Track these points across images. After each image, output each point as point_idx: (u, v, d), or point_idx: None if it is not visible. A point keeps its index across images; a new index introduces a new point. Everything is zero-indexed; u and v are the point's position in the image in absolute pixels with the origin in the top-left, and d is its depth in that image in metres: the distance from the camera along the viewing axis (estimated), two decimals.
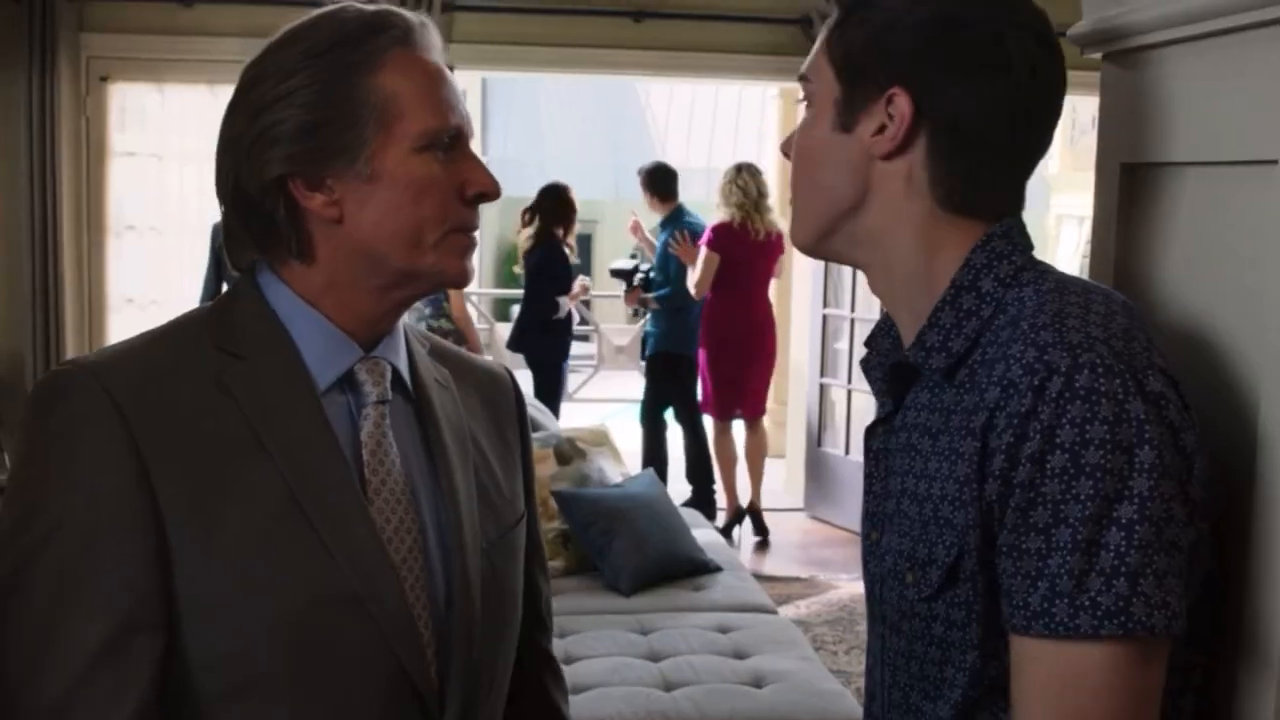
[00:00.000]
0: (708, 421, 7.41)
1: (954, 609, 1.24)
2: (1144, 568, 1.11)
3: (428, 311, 6.78)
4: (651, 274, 7.51)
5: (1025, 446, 1.15)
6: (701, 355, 7.27)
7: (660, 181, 7.42)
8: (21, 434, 1.34)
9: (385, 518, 1.39)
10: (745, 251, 7.02)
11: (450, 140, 1.38)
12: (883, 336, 1.44)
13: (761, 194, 7.07)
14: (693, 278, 7.02)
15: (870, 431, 1.43)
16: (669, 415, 7.52)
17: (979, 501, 1.19)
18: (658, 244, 7.48)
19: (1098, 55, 1.54)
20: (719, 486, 7.43)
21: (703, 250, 6.96)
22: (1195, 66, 1.36)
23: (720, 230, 6.98)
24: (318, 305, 1.40)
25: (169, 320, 1.44)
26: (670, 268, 7.30)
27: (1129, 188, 1.50)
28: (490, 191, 1.41)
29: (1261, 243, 1.28)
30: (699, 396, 7.41)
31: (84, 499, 1.28)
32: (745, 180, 7.05)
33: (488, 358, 1.72)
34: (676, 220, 7.34)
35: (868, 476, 1.42)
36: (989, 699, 1.24)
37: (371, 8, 1.40)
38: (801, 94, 1.39)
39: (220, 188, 1.40)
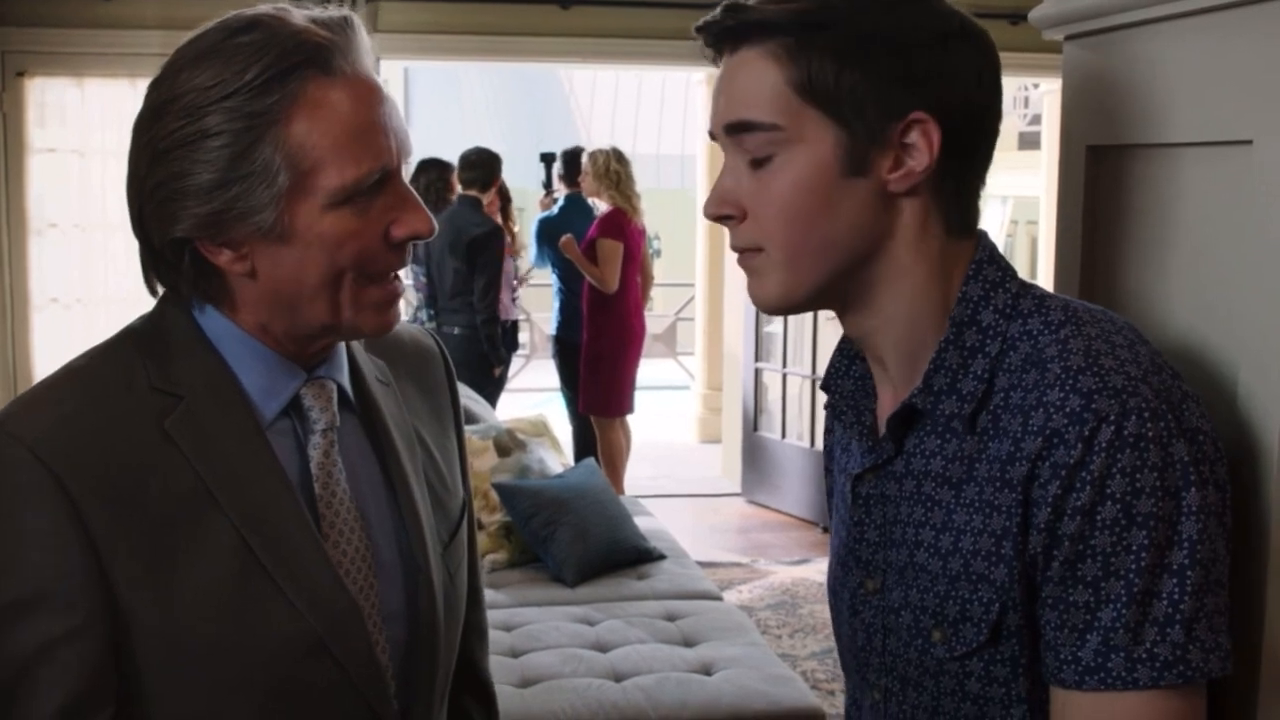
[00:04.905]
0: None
1: (996, 665, 1.19)
2: (1197, 613, 1.09)
3: None
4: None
5: (1072, 498, 1.10)
6: (598, 349, 6.95)
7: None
8: None
9: (341, 550, 1.33)
10: (635, 241, 6.91)
11: (374, 185, 1.26)
12: (841, 377, 1.35)
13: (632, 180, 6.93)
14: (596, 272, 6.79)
15: (859, 478, 1.31)
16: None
17: (1022, 556, 1.15)
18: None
19: (1059, 37, 1.54)
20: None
21: (606, 240, 6.77)
22: (1167, 47, 1.35)
23: (622, 218, 6.82)
24: (254, 335, 1.32)
25: (93, 351, 1.33)
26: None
27: (1095, 170, 1.48)
28: (422, 233, 1.29)
29: (1239, 223, 1.27)
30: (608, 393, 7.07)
31: (30, 589, 1.19)
32: (628, 167, 6.91)
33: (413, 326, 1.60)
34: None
35: (857, 523, 1.31)
36: None
37: (291, 22, 1.25)
38: (739, 145, 1.19)
39: (130, 217, 1.30)
